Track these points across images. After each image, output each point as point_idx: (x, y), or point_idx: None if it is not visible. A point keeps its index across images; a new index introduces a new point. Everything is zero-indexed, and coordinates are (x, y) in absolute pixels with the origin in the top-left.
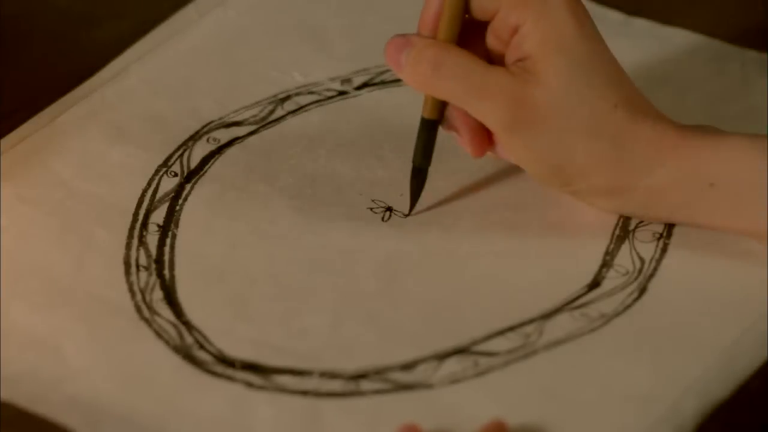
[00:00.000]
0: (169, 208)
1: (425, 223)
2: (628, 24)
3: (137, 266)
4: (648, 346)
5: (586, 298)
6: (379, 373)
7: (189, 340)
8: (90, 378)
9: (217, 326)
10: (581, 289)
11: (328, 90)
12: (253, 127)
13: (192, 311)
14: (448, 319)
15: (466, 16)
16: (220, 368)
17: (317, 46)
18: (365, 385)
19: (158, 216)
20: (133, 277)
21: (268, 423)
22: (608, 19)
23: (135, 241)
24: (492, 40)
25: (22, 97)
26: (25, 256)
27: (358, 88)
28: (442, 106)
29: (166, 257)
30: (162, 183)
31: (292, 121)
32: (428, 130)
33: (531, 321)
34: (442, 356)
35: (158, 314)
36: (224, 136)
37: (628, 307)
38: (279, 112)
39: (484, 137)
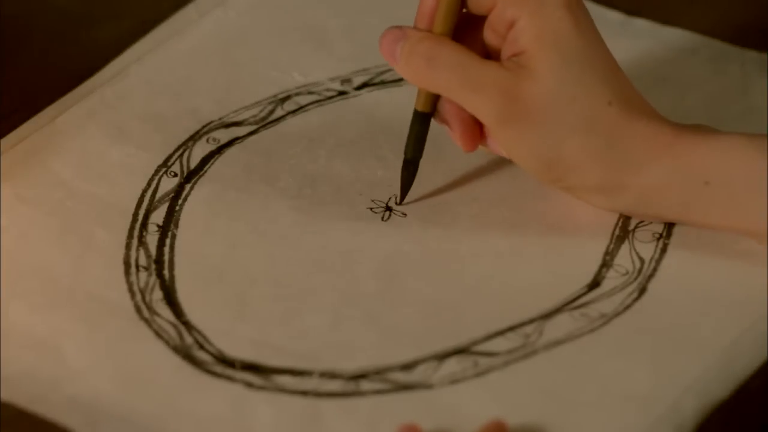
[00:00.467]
0: (168, 208)
1: (425, 223)
2: (628, 24)
3: (137, 266)
4: (648, 346)
5: (586, 298)
6: (379, 373)
7: (189, 340)
8: (90, 378)
9: (217, 326)
10: (581, 289)
11: (328, 90)
12: (253, 127)
13: (192, 311)
14: (448, 319)
15: (464, 10)
16: (219, 368)
17: (317, 46)
18: (365, 385)
19: (158, 216)
20: (133, 277)
21: (268, 423)
22: (608, 19)
23: (135, 241)
24: (489, 35)
25: (22, 97)
26: (25, 256)
27: (358, 88)
28: (435, 99)
29: (166, 257)
30: (162, 183)
31: (292, 121)
32: (421, 122)
33: (531, 321)
34: (442, 356)
35: (158, 314)
36: (224, 136)
37: (628, 307)
38: (279, 112)
39: (476, 131)
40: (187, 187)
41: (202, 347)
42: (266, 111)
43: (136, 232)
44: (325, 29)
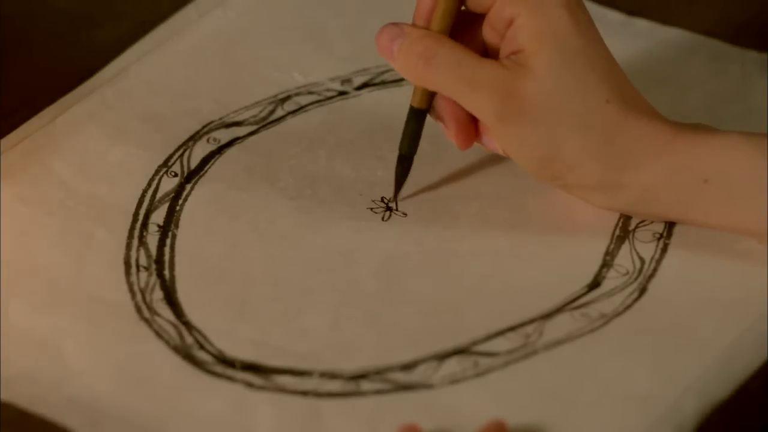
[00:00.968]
0: (169, 208)
1: (425, 223)
2: (628, 24)
3: (137, 266)
4: (648, 346)
5: (586, 299)
6: (379, 373)
7: (189, 340)
8: (90, 378)
9: (217, 326)
10: (581, 289)
11: (328, 90)
12: (253, 128)
13: (192, 311)
14: (448, 319)
15: (462, 8)
16: (220, 368)
17: (317, 46)
18: (365, 385)
19: (158, 216)
20: (134, 278)
21: (268, 423)
22: (608, 19)
23: (135, 242)
24: (488, 33)
25: (22, 97)
26: (25, 256)
27: (358, 88)
28: (430, 95)
29: (166, 257)
30: (162, 183)
31: (292, 122)
32: (416, 119)
33: (531, 321)
34: (442, 356)
35: (158, 314)
36: (224, 136)
37: (628, 307)
38: (279, 113)
39: (471, 129)
40: (188, 187)
41: (202, 347)
42: (266, 111)
43: (136, 232)
44: (325, 29)
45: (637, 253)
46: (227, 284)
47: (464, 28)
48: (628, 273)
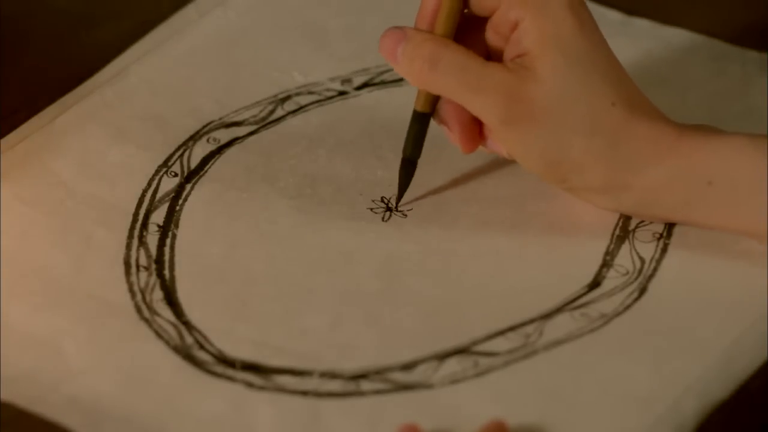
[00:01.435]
0: (169, 208)
1: (425, 223)
2: (628, 24)
3: (137, 266)
4: (648, 346)
5: (586, 298)
6: (379, 373)
7: (189, 340)
8: (90, 378)
9: (217, 326)
10: (581, 289)
11: (328, 90)
12: (253, 127)
13: (192, 311)
14: (448, 319)
15: (465, 11)
16: (220, 368)
17: (317, 46)
18: (365, 385)
19: (158, 216)
20: (133, 278)
21: (268, 423)
22: (608, 19)
23: (135, 242)
24: (492, 36)
25: (22, 97)
26: (25, 257)
27: (358, 88)
28: (434, 99)
29: (166, 257)
30: (162, 183)
31: (292, 121)
32: (420, 122)
33: (531, 321)
34: (442, 356)
35: (158, 314)
36: (224, 136)
37: (628, 307)
38: (279, 112)
39: (475, 132)
40: (188, 187)
41: (202, 347)
42: (266, 111)
43: (136, 232)
44: (325, 29)
45: (637, 253)
46: (227, 284)
47: (467, 32)
48: (628, 273)
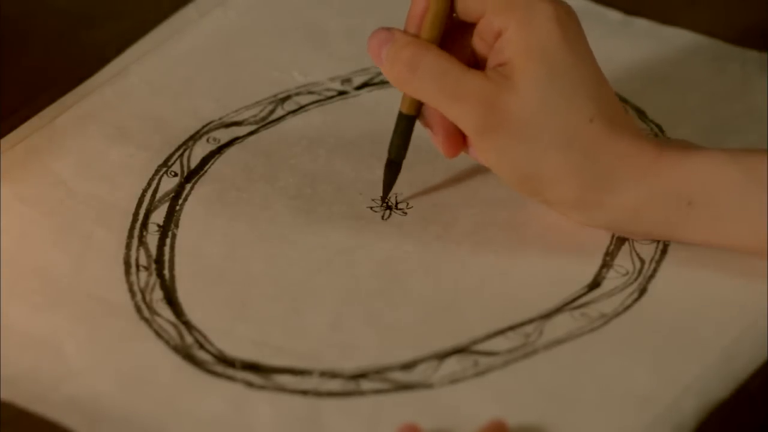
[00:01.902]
0: (169, 208)
1: (425, 223)
2: (628, 24)
3: (137, 266)
4: (648, 346)
5: (586, 299)
6: (379, 372)
7: (189, 340)
8: (90, 378)
9: (217, 326)
10: (581, 290)
11: (328, 90)
12: (253, 127)
13: (192, 311)
14: (448, 319)
15: (454, 15)
16: (220, 368)
17: (317, 46)
18: (365, 384)
19: (158, 216)
20: (133, 277)
21: (268, 423)
22: (608, 19)
23: (135, 241)
24: (477, 43)
25: (22, 97)
26: (25, 256)
27: (358, 88)
28: (419, 102)
29: (166, 257)
30: (162, 183)
31: (292, 121)
32: (404, 124)
33: (531, 321)
34: (442, 356)
35: (158, 314)
36: (224, 136)
37: (628, 307)
38: (279, 112)
39: (458, 138)
40: (188, 186)
41: (202, 347)
42: (266, 111)
43: (136, 232)
44: (325, 29)
45: (637, 254)
46: (227, 284)
47: (455, 36)
48: (628, 273)
